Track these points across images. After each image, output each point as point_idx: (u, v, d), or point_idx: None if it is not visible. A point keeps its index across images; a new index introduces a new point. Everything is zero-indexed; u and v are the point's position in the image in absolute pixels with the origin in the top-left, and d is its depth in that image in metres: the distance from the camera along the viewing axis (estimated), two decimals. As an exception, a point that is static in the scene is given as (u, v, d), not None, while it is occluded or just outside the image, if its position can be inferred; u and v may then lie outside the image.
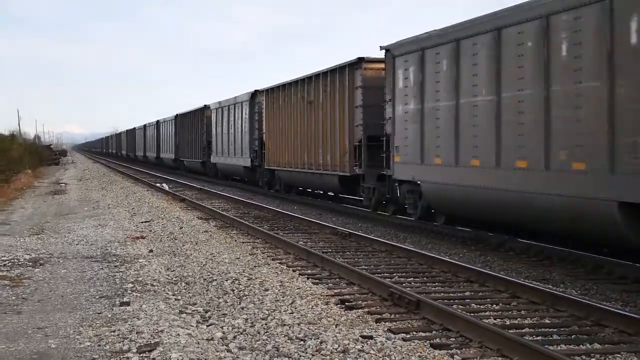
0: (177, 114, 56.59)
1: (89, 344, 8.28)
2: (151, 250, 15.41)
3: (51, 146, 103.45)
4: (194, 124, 49.77)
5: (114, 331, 8.73)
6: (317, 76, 26.07)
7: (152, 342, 8.23)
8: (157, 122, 66.87)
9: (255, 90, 35.09)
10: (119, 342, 8.26)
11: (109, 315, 9.57)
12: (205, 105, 46.57)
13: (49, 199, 30.78)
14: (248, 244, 16.65)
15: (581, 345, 8.51)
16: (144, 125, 77.06)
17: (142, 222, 20.82)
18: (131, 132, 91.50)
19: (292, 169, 28.97)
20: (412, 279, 12.54)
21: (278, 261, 14.17)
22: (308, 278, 12.43)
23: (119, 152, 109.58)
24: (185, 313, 9.73)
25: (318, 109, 25.82)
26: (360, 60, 22.66)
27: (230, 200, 28.87)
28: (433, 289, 11.71)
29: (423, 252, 14.62)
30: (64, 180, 45.42)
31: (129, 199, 29.36)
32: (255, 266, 13.43)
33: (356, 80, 22.78)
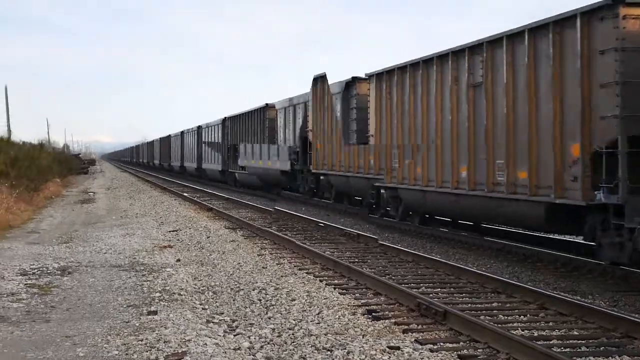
0: (225, 117, 48.85)
1: (116, 352, 8.31)
2: (178, 260, 15.47)
3: (80, 155, 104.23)
4: (250, 128, 41.65)
5: (141, 340, 8.76)
6: (492, 42, 16.62)
7: (180, 351, 8.25)
8: (199, 127, 59.41)
9: (353, 78, 26.39)
10: (147, 351, 8.29)
11: (137, 324, 9.60)
12: (266, 104, 38.75)
13: (77, 207, 30.99)
14: (275, 253, 16.65)
15: (610, 358, 8.45)
16: (182, 132, 69.72)
17: (169, 232, 20.91)
18: (165, 140, 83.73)
19: (431, 189, 19.46)
20: (439, 289, 12.49)
21: (305, 271, 14.17)
22: (335, 288, 12.41)
23: (151, 162, 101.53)
24: (213, 322, 9.75)
25: (495, 94, 16.52)
26: (616, 2, 13.02)
27: (257, 210, 28.90)
28: (460, 299, 11.66)
29: (450, 262, 14.56)
30: (92, 189, 45.72)
31: (156, 208, 29.49)
32: (282, 276, 13.45)
33: (602, 38, 13.28)
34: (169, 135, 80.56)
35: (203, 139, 57.08)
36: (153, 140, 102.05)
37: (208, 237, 19.48)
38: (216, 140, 51.61)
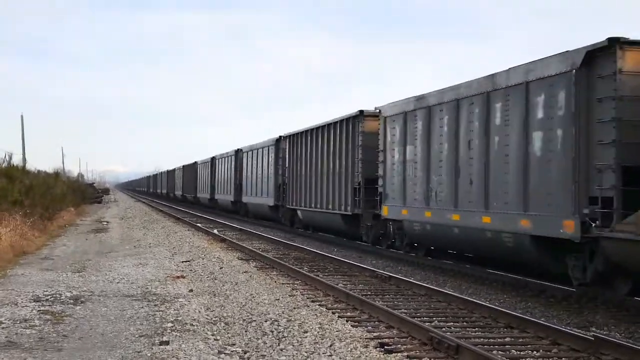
0: (280, 136, 38.84)
1: (128, 382, 8.31)
2: (191, 290, 15.48)
3: (94, 184, 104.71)
4: (327, 149, 29.59)
5: (153, 370, 8.76)
6: None
7: (191, 381, 8.24)
8: (237, 151, 49.79)
9: (589, 51, 13.99)
10: (158, 381, 8.27)
11: (149, 355, 9.61)
12: (360, 112, 26.00)
13: (90, 236, 31.07)
14: (288, 285, 16.64)
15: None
16: (212, 158, 60.01)
17: (182, 262, 20.93)
18: (190, 168, 73.84)
19: None
20: (451, 323, 12.44)
21: (317, 303, 14.15)
22: (347, 321, 12.38)
23: (172, 193, 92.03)
24: (224, 353, 9.74)
25: None
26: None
27: (271, 242, 28.90)
28: (473, 334, 11.61)
29: (463, 296, 14.51)
30: (106, 218, 45.85)
31: (170, 239, 29.53)
32: (294, 308, 13.43)
33: None
34: (195, 162, 70.90)
35: (244, 166, 47.04)
36: (175, 169, 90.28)
37: (221, 268, 19.48)
38: (263, 168, 42.43)
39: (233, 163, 49.82)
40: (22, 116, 65.36)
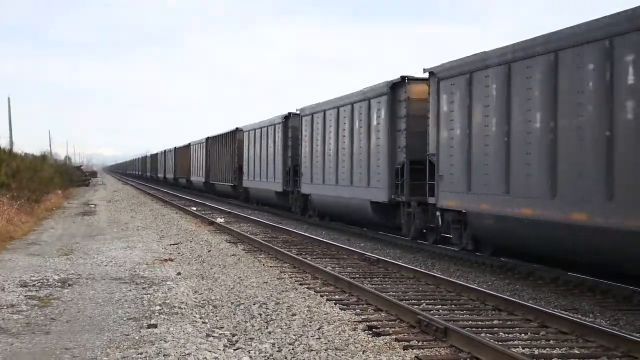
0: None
1: (116, 365, 8.29)
2: (179, 273, 15.45)
3: (81, 167, 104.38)
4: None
5: (140, 353, 8.74)
6: None
7: (179, 365, 8.22)
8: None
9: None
10: (146, 365, 8.26)
11: (136, 337, 9.59)
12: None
13: (78, 219, 30.97)
14: (276, 268, 16.63)
15: (611, 377, 8.39)
16: (287, 117, 34.49)
17: (170, 245, 20.89)
18: (219, 142, 49.76)
19: None
20: (440, 306, 12.46)
21: (306, 286, 14.14)
22: (336, 303, 12.38)
23: (182, 179, 69.37)
24: (213, 336, 9.73)
25: None
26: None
27: (259, 225, 28.88)
28: (461, 316, 11.63)
29: (451, 279, 14.53)
30: (93, 201, 45.70)
31: (157, 222, 29.46)
32: (283, 291, 13.43)
33: None
34: (236, 129, 44.63)
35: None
36: (190, 144, 64.06)
37: (209, 251, 19.45)
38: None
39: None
40: (9, 99, 65.06)
